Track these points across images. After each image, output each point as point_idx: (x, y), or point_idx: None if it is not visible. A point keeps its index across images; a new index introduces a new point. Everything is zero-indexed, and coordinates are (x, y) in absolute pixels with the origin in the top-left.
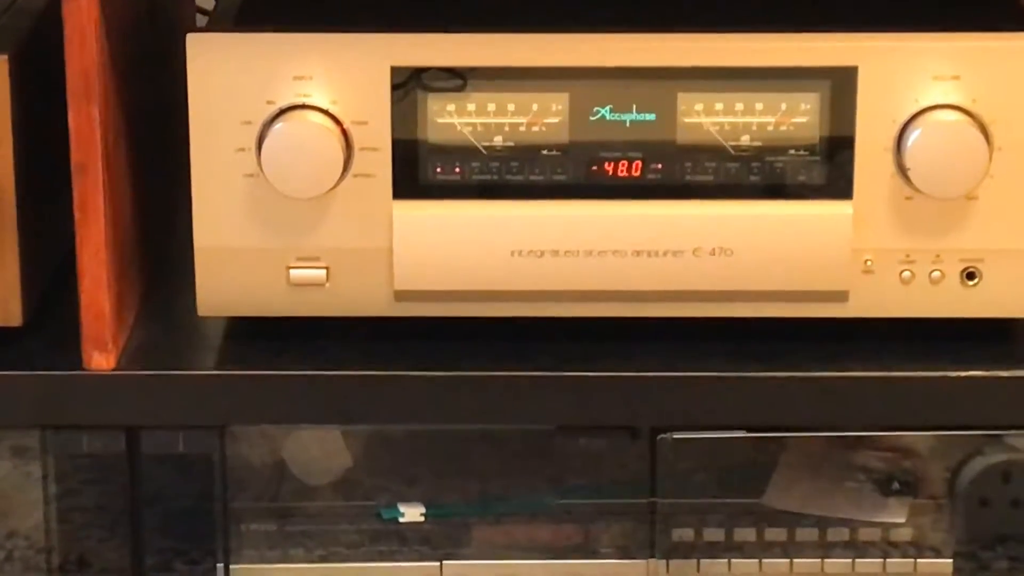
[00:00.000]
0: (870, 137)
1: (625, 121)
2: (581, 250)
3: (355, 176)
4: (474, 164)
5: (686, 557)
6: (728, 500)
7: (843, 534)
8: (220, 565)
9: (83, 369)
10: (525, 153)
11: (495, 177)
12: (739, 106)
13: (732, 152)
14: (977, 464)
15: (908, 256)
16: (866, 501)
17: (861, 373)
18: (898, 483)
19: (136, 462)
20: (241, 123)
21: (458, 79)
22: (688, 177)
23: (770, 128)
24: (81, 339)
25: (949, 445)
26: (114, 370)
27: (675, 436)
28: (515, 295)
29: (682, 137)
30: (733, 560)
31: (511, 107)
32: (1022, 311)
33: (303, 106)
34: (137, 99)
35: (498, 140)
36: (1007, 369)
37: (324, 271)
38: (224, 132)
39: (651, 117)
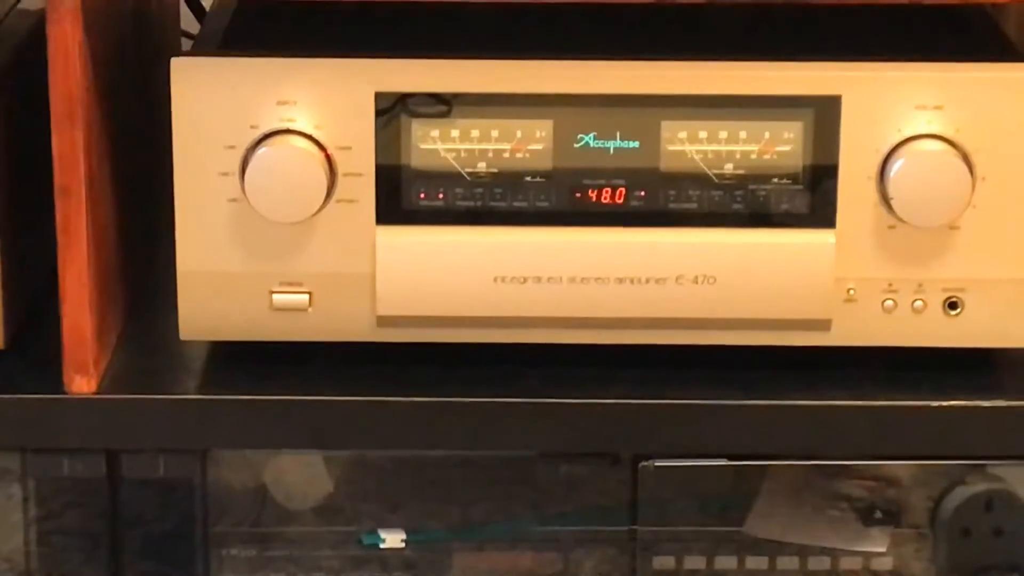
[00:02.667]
0: (853, 166)
1: (609, 148)
2: (564, 277)
3: (338, 201)
4: (458, 190)
5: None
6: (709, 528)
7: (824, 563)
8: None
9: (64, 392)
10: (509, 179)
11: (479, 203)
12: (723, 134)
13: (715, 180)
14: (959, 494)
15: (891, 285)
16: (847, 530)
17: (843, 402)
18: (880, 512)
19: (117, 486)
20: (225, 147)
21: (442, 105)
22: (671, 205)
23: (753, 156)
24: (63, 362)
25: (931, 474)
26: (95, 393)
27: (657, 463)
28: (498, 321)
29: (666, 165)
30: None
31: (495, 133)
32: (1004, 341)
33: (287, 131)
34: (121, 122)
35: (482, 166)
36: (989, 399)
37: (307, 296)
38: (208, 156)
39: (635, 144)
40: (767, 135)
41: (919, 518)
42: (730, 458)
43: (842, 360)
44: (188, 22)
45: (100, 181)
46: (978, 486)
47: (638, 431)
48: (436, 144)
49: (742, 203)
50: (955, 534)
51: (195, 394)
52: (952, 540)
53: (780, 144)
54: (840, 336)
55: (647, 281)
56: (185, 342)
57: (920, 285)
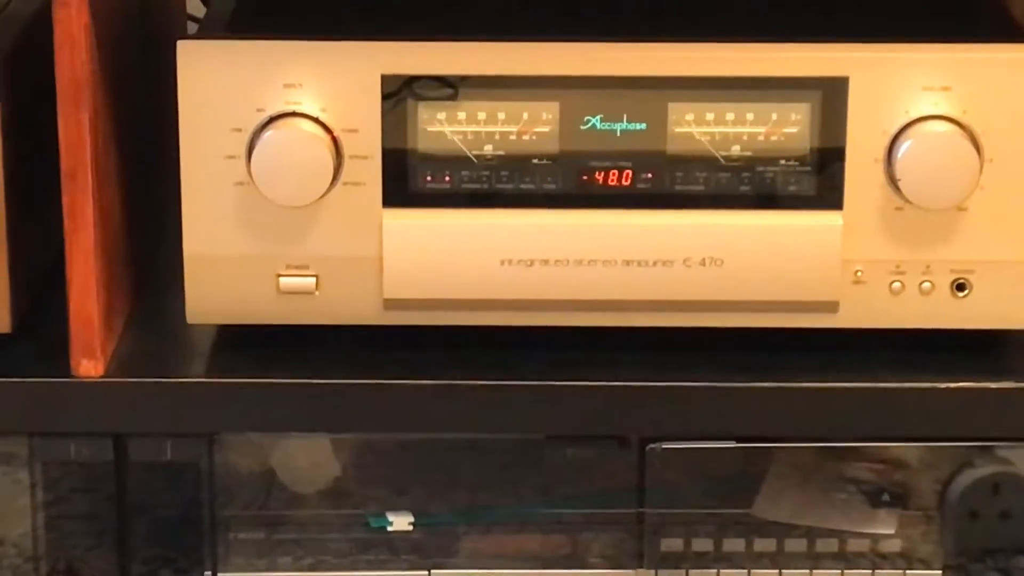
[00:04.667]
0: (860, 148)
1: (615, 130)
2: (571, 259)
3: (345, 184)
4: (464, 173)
5: (675, 567)
6: (717, 510)
7: (832, 545)
8: (208, 573)
9: (71, 376)
10: (515, 162)
11: (485, 186)
12: (730, 116)
13: (722, 162)
14: (967, 476)
15: (898, 267)
16: (855, 512)
17: (851, 384)
18: (888, 495)
19: (124, 470)
20: (231, 130)
21: (448, 87)
22: (678, 187)
23: (760, 138)
24: (70, 346)
25: (939, 457)
26: (102, 377)
27: (664, 446)
28: (505, 304)
29: (672, 147)
30: (722, 571)
31: (501, 116)
32: (1012, 322)
33: (293, 114)
34: (128, 105)
35: (488, 149)
36: (997, 381)
37: (314, 279)
38: (214, 139)
39: (641, 127)
40: (774, 117)
41: (927, 501)
42: (737, 440)
43: (850, 342)
44: (194, 6)
45: (106, 165)
46: (986, 469)
47: (645, 414)
48: (443, 127)
49: (749, 185)
50: (963, 517)
51: (202, 378)
52: (959, 522)
53: (787, 126)
54: (848, 318)
55: (654, 264)
56: (192, 325)
57: (928, 267)
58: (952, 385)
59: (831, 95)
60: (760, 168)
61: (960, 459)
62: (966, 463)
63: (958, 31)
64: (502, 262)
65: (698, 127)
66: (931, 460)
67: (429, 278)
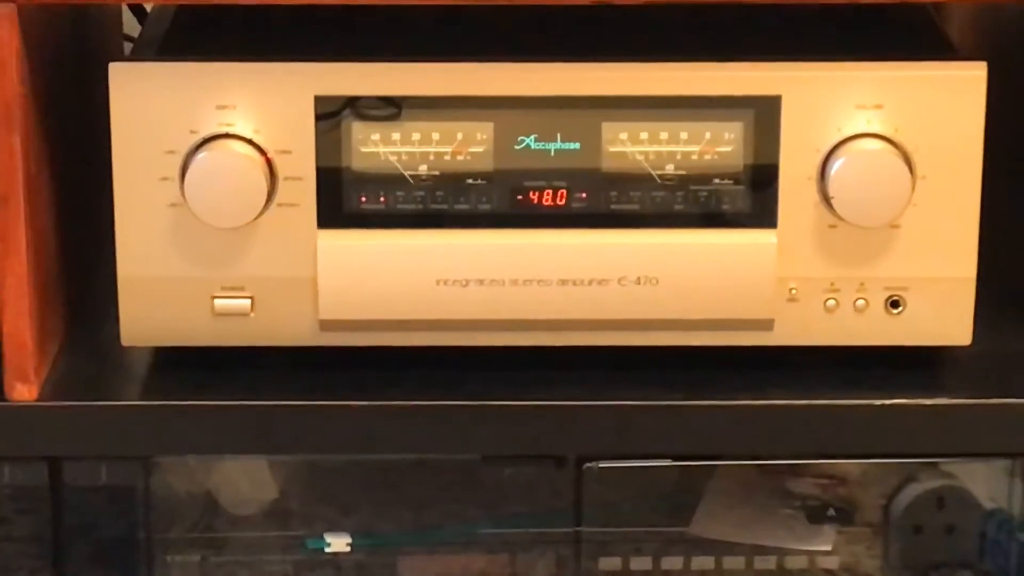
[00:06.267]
0: (794, 166)
1: (550, 150)
2: (506, 279)
3: (279, 205)
4: (399, 193)
5: None
6: (655, 528)
7: (771, 562)
8: None
9: (5, 400)
10: (450, 182)
11: (420, 206)
12: (663, 135)
13: (657, 181)
14: (911, 491)
15: (833, 284)
16: (794, 529)
17: (787, 401)
18: (832, 510)
19: (60, 493)
20: (164, 152)
21: (382, 108)
22: (613, 206)
23: (694, 157)
24: (3, 369)
25: (883, 472)
26: (37, 401)
27: (601, 465)
28: (441, 324)
29: (607, 166)
30: None
31: (436, 136)
32: (946, 339)
33: (226, 135)
34: (61, 128)
35: (423, 169)
36: (931, 397)
37: (249, 301)
38: (147, 161)
39: (576, 146)
40: (708, 135)
41: (871, 515)
42: (674, 459)
43: (785, 360)
44: (131, 26)
45: (39, 187)
46: (930, 483)
47: (582, 432)
48: (377, 147)
49: (683, 204)
50: (907, 531)
51: (137, 400)
52: (904, 537)
53: (721, 144)
54: (783, 336)
55: (589, 283)
56: (127, 348)
57: (862, 284)
58: (887, 402)
59: (764, 114)
60: (694, 187)
61: (904, 474)
62: (910, 477)
63: (890, 49)
64: (437, 282)
65: (632, 146)
66: (875, 475)
67: (365, 299)
